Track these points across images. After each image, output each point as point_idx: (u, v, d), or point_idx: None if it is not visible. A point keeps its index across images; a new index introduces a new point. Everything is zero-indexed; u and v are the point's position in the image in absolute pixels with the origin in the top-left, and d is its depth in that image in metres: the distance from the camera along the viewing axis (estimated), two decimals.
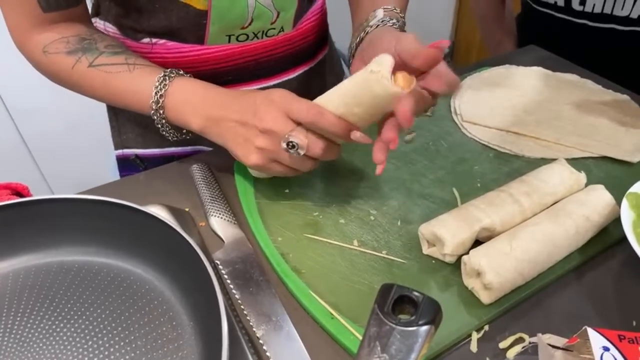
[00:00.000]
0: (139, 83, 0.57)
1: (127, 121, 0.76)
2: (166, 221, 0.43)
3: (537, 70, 0.82)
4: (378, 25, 0.59)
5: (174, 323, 0.41)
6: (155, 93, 0.56)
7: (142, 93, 0.57)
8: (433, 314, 0.30)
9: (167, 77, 0.57)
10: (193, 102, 0.56)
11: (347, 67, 1.00)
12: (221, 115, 0.55)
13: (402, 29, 0.60)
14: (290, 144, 0.50)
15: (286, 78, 0.74)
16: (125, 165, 0.80)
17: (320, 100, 0.52)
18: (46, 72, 0.61)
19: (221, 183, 0.63)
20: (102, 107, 0.76)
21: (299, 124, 0.51)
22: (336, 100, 0.50)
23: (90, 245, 0.46)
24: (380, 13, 0.61)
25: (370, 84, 0.47)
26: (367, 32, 0.59)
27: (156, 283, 0.44)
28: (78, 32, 0.60)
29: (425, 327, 0.30)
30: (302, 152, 0.51)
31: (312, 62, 0.78)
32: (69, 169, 1.78)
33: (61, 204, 0.44)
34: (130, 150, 0.78)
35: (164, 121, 0.58)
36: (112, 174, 0.83)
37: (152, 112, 0.57)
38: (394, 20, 0.59)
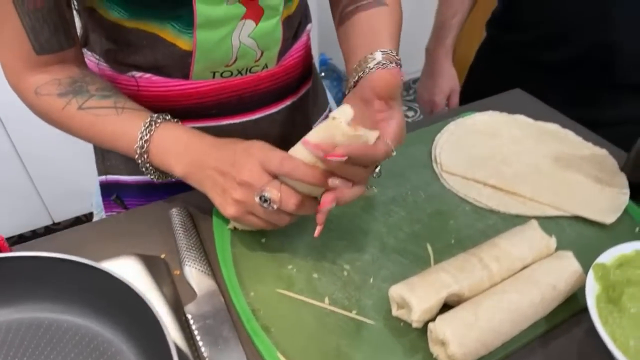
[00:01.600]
0: (126, 127, 0.59)
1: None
2: (127, 282, 0.43)
3: (519, 119, 0.83)
4: (377, 68, 0.59)
5: None
6: (140, 138, 0.57)
7: (128, 137, 0.58)
8: None
9: (153, 123, 0.58)
10: (176, 149, 0.58)
11: (332, 99, 1.01)
12: (202, 163, 0.56)
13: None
14: (263, 197, 0.51)
15: (269, 112, 0.75)
16: (107, 191, 0.80)
17: (292, 150, 0.53)
18: (38, 113, 0.63)
19: (200, 227, 0.64)
20: None
21: (275, 176, 0.52)
22: (305, 150, 0.51)
23: (60, 303, 0.47)
24: (379, 56, 0.61)
25: (331, 130, 0.49)
26: (366, 73, 0.59)
27: (122, 346, 0.45)
28: (70, 74, 0.61)
29: None
30: (275, 207, 0.52)
31: (295, 97, 0.79)
32: (61, 178, 1.78)
33: (28, 261, 0.45)
34: (114, 177, 0.79)
35: (148, 165, 0.59)
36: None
37: (137, 156, 0.58)
38: (393, 65, 0.60)
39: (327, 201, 0.52)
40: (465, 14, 1.08)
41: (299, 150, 0.52)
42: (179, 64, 0.65)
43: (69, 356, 0.44)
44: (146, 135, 0.57)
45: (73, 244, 0.62)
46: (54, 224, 1.90)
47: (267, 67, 0.71)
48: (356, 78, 0.61)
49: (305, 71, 0.81)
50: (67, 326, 0.46)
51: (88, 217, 1.93)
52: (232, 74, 0.68)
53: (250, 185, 0.52)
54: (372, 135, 0.50)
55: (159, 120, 0.58)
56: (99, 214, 0.84)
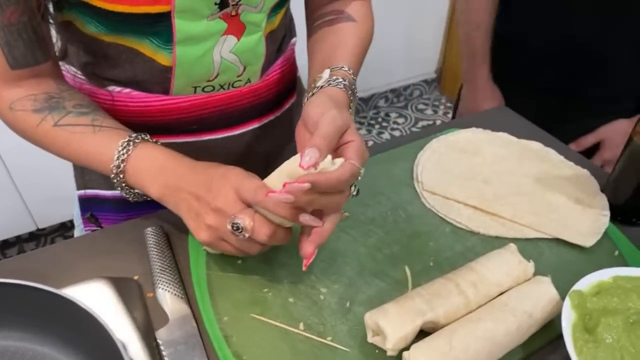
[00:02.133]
0: (103, 146, 0.57)
1: None
2: (88, 310, 0.42)
3: (502, 137, 0.83)
4: (323, 87, 0.59)
5: None
6: (117, 157, 0.56)
7: (105, 156, 0.57)
8: None
9: (131, 142, 0.57)
10: (152, 170, 0.57)
11: None
12: (178, 186, 0.55)
13: (349, 87, 0.60)
14: (236, 225, 0.50)
15: (251, 127, 0.74)
16: (86, 206, 0.79)
17: (267, 180, 0.52)
18: (13, 128, 0.61)
19: (175, 245, 0.63)
20: None
21: (249, 205, 0.51)
22: (276, 180, 0.50)
23: (19, 329, 0.46)
24: (326, 74, 0.61)
25: (291, 172, 0.48)
26: (313, 94, 0.59)
27: None
28: (47, 90, 0.60)
29: None
30: (246, 235, 0.51)
31: (279, 111, 0.78)
32: (45, 184, 1.76)
33: None
34: (93, 191, 0.77)
35: (123, 184, 0.58)
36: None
37: (113, 175, 0.57)
38: (340, 79, 0.59)
39: (309, 252, 0.51)
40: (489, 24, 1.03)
41: (273, 180, 0.51)
42: (158, 79, 0.64)
43: None
44: (123, 154, 0.56)
45: (44, 263, 0.60)
46: (38, 229, 1.87)
47: (250, 81, 0.70)
48: (305, 99, 0.60)
49: (289, 85, 0.80)
50: (32, 355, 0.45)
51: (72, 223, 1.91)
52: (214, 88, 0.67)
53: (224, 212, 0.51)
54: (337, 163, 0.49)
55: (137, 140, 0.57)
56: (79, 226, 0.82)
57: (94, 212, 0.77)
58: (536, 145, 0.81)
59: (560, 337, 0.54)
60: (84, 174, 0.77)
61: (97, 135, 0.58)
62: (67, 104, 0.59)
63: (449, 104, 2.79)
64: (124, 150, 0.56)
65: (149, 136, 0.59)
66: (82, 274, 0.56)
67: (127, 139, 0.57)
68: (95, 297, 0.52)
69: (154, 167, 0.57)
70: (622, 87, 0.94)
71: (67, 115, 0.58)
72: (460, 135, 0.83)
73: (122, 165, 0.56)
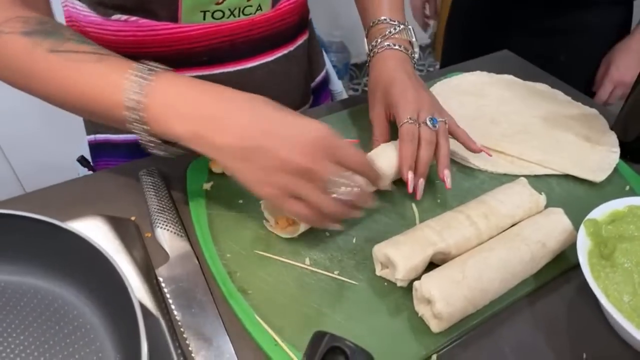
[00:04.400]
0: (112, 75, 0.46)
1: None
2: (91, 241, 0.40)
3: (507, 79, 0.80)
4: (384, 49, 0.65)
5: (100, 355, 0.39)
6: (134, 87, 0.45)
7: (116, 87, 0.45)
8: None
9: (149, 70, 0.46)
10: (185, 101, 0.46)
11: (328, 59, 0.97)
12: (239, 127, 0.45)
13: (408, 49, 0.66)
14: (339, 194, 0.47)
15: (263, 61, 0.71)
16: (98, 152, 0.76)
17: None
18: None
19: (172, 189, 0.60)
20: None
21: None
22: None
23: (17, 264, 0.43)
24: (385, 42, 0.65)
25: None
26: (376, 53, 0.66)
27: (85, 309, 0.42)
28: (38, 15, 0.51)
29: None
30: (348, 198, 0.47)
31: (291, 46, 0.74)
32: (35, 153, 1.72)
33: None
34: (103, 136, 0.74)
35: (143, 126, 0.46)
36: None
37: (127, 112, 0.45)
38: (397, 47, 0.65)
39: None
40: None
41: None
42: (165, 1, 0.60)
43: (27, 319, 0.41)
44: (143, 82, 0.45)
45: (37, 205, 0.58)
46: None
47: (260, 9, 0.66)
48: (370, 55, 0.67)
49: (301, 20, 0.76)
50: (26, 288, 0.43)
51: None
52: (224, 14, 0.63)
53: (314, 172, 0.45)
54: None
55: (157, 69, 0.47)
56: None
57: (105, 158, 0.73)
58: (542, 86, 0.79)
59: (573, 268, 0.53)
60: None
61: (103, 63, 0.47)
62: (65, 32, 0.49)
63: None
64: (143, 79, 0.45)
65: (163, 67, 0.48)
66: (74, 214, 0.53)
67: (144, 66, 0.46)
68: (92, 234, 0.49)
69: (181, 99, 0.46)
70: None
71: (67, 42, 0.48)
72: (464, 78, 0.81)
73: (141, 98, 0.45)
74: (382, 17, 0.67)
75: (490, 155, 0.63)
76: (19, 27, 0.48)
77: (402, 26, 0.66)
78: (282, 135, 0.45)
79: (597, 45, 0.95)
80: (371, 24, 0.68)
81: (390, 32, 0.66)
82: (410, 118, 0.58)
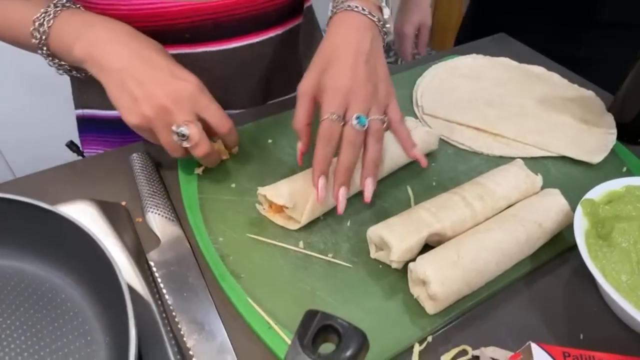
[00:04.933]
0: (27, 11, 0.53)
1: (90, 78, 0.71)
2: (78, 223, 0.39)
3: (503, 62, 0.79)
4: (344, 10, 0.55)
5: (89, 338, 0.38)
6: (41, 18, 0.52)
7: (27, 21, 0.53)
8: (357, 346, 0.28)
9: (58, 5, 0.53)
10: (79, 27, 0.52)
11: None
12: (115, 55, 0.51)
13: (375, 15, 0.55)
14: (181, 132, 0.50)
15: (248, 42, 0.69)
16: (85, 127, 0.75)
17: None
18: None
19: (163, 174, 0.59)
20: None
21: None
22: None
23: (4, 247, 0.42)
24: None
25: None
26: (334, 14, 0.56)
27: (73, 292, 0.41)
28: None
29: None
30: (186, 145, 0.51)
31: (280, 29, 0.72)
32: (27, 142, 1.70)
33: None
34: (90, 111, 0.73)
35: (47, 51, 0.54)
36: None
37: (35, 40, 0.53)
38: (361, 10, 0.54)
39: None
40: None
41: None
42: None
43: (14, 304, 0.40)
44: (49, 15, 0.52)
45: (26, 189, 0.56)
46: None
47: None
48: (332, 11, 0.57)
49: (293, 3, 0.73)
50: (12, 272, 0.42)
51: None
52: None
53: (172, 113, 0.50)
54: None
55: (66, 4, 0.54)
56: None
57: (92, 134, 0.73)
58: (538, 69, 0.78)
59: (569, 249, 0.52)
60: (82, 92, 0.73)
61: (28, 2, 0.54)
62: None
63: None
64: (52, 11, 0.52)
65: (81, 7, 0.56)
66: (65, 199, 0.52)
67: (56, 1, 0.53)
68: (81, 218, 0.48)
69: (83, 25, 0.52)
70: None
71: None
72: (460, 61, 0.79)
73: (46, 26, 0.52)
74: None
75: (425, 166, 0.56)
76: None
77: None
78: (158, 76, 0.50)
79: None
80: None
81: None
82: (333, 113, 0.49)
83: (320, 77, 0.52)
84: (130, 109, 0.50)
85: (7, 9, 0.54)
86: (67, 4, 0.54)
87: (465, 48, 0.84)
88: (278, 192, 0.52)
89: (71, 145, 0.71)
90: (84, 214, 0.49)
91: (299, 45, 0.79)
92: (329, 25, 0.56)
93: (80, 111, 0.73)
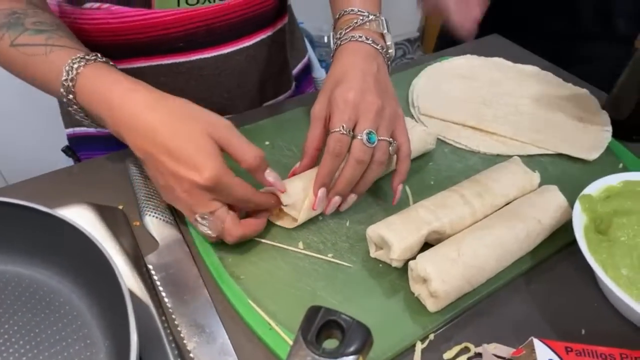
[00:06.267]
0: (53, 65, 0.50)
1: None
2: (77, 226, 0.38)
3: (497, 62, 0.80)
4: (348, 41, 0.56)
5: (88, 342, 0.37)
6: (66, 75, 0.48)
7: (55, 75, 0.49)
8: (361, 341, 0.27)
9: (82, 60, 0.49)
10: (108, 97, 0.48)
11: (311, 47, 0.95)
12: (142, 134, 0.47)
13: (378, 42, 0.57)
14: (204, 219, 0.47)
15: (241, 46, 0.69)
16: (78, 145, 0.74)
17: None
18: None
19: None
20: None
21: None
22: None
23: (2, 252, 0.42)
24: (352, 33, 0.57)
25: None
26: (339, 46, 0.57)
27: (72, 295, 0.40)
28: (13, 6, 0.54)
29: (351, 358, 0.27)
30: (213, 235, 0.48)
31: (270, 30, 0.73)
32: (21, 150, 1.68)
33: None
34: (82, 129, 0.72)
35: (75, 106, 0.50)
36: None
37: (62, 95, 0.50)
38: (364, 39, 0.56)
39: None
40: None
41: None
42: None
43: (12, 307, 0.39)
44: (72, 72, 0.48)
45: (22, 195, 0.56)
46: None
47: None
48: (335, 44, 0.58)
49: (280, 3, 0.74)
50: (10, 276, 0.41)
51: None
52: (198, 1, 0.62)
53: (191, 205, 0.46)
54: None
55: (89, 58, 0.50)
56: None
57: (84, 152, 0.72)
58: (532, 68, 0.78)
59: (569, 245, 0.52)
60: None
61: (49, 56, 0.51)
62: (27, 20, 0.53)
63: None
64: (74, 68, 0.48)
65: (107, 59, 0.51)
66: (60, 202, 0.52)
67: (78, 56, 0.49)
68: (78, 222, 0.48)
69: (100, 104, 0.48)
70: None
71: (23, 34, 0.52)
72: (455, 62, 0.80)
73: (71, 85, 0.49)
74: (351, 9, 0.58)
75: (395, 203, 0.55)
76: None
77: (372, 16, 0.57)
78: (174, 169, 0.45)
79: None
80: (337, 16, 0.60)
81: (357, 22, 0.57)
82: (343, 126, 0.49)
83: (330, 97, 0.52)
84: (161, 192, 0.50)
85: (35, 65, 0.51)
86: (83, 62, 0.49)
87: (459, 49, 0.85)
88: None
89: (67, 150, 0.71)
90: (81, 218, 0.49)
91: (286, 43, 0.79)
92: (335, 56, 0.57)
93: (70, 130, 0.72)
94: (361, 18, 0.57)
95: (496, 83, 0.75)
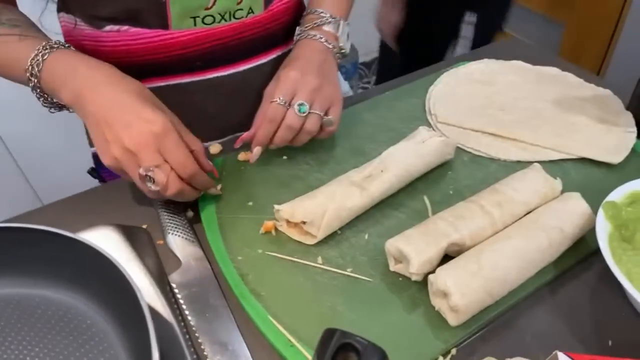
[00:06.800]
0: (22, 51, 0.54)
1: None
2: (100, 250, 0.40)
3: (516, 65, 0.78)
4: (305, 38, 0.65)
5: None
6: (33, 59, 0.53)
7: (23, 62, 0.54)
8: None
9: (48, 47, 0.54)
10: (65, 72, 0.53)
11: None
12: (89, 100, 0.52)
13: (331, 42, 0.65)
14: (148, 176, 0.50)
15: (257, 63, 0.70)
16: (100, 162, 0.76)
17: None
18: None
19: None
20: None
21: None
22: None
23: (28, 276, 0.43)
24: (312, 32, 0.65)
25: None
26: (297, 41, 0.66)
27: (98, 318, 0.42)
28: None
29: None
30: (154, 189, 0.50)
31: (285, 47, 0.74)
32: (51, 167, 1.74)
33: None
34: None
35: (38, 90, 0.55)
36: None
37: (28, 79, 0.54)
38: (319, 38, 0.64)
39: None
40: None
41: None
42: (153, 7, 0.60)
43: (42, 331, 0.41)
44: (39, 57, 0.53)
45: (51, 217, 0.58)
46: None
47: (252, 12, 0.66)
48: (296, 37, 0.67)
49: (295, 19, 0.74)
50: (39, 300, 0.43)
51: None
52: (214, 19, 0.63)
53: (138, 158, 0.49)
54: None
55: (55, 46, 0.54)
56: None
57: (106, 169, 0.74)
58: (552, 70, 0.77)
59: (593, 253, 0.51)
60: None
61: (20, 42, 0.55)
62: (2, 17, 0.57)
63: None
64: (41, 54, 0.53)
65: (71, 46, 0.56)
66: (85, 225, 0.53)
67: (45, 43, 0.54)
68: (104, 243, 0.49)
69: (67, 69, 0.53)
70: None
71: (1, 27, 0.56)
72: (472, 67, 0.79)
73: (36, 69, 0.53)
74: (318, 9, 0.67)
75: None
76: None
77: (331, 19, 0.65)
78: (125, 118, 0.50)
79: None
80: (305, 13, 0.69)
81: (316, 23, 0.65)
82: (281, 97, 0.58)
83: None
84: (102, 151, 0.51)
85: (7, 49, 0.55)
86: (56, 45, 0.54)
87: (475, 53, 0.84)
88: (294, 210, 0.52)
89: (92, 172, 0.73)
90: (107, 240, 0.50)
91: None
92: (293, 48, 0.66)
93: (93, 149, 0.75)
94: (321, 20, 0.66)
95: (515, 87, 0.74)
